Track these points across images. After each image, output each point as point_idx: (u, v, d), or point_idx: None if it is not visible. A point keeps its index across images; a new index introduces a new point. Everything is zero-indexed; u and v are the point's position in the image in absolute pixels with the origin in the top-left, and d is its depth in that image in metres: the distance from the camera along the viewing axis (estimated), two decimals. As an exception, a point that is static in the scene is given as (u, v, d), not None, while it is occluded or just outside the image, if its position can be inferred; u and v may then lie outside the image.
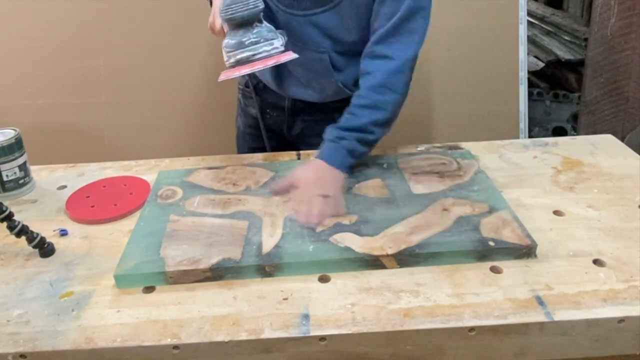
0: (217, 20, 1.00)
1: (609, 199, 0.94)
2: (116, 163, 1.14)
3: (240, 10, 0.93)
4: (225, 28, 0.99)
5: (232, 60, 0.96)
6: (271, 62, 0.95)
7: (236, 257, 0.79)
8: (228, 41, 0.96)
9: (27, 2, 1.90)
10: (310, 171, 0.99)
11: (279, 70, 1.19)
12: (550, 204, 0.93)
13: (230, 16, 0.94)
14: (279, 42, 0.98)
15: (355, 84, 1.11)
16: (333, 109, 1.18)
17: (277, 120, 1.30)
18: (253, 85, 1.29)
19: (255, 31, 0.96)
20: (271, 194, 0.97)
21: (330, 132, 1.03)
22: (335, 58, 1.12)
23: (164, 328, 0.69)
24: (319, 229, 0.85)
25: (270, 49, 0.96)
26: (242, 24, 0.95)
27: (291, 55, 0.97)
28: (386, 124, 1.03)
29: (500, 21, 2.01)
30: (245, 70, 0.94)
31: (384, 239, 0.81)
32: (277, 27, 1.04)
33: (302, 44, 1.10)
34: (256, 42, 0.95)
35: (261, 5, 0.96)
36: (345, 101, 1.07)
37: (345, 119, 1.02)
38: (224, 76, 0.97)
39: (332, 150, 1.00)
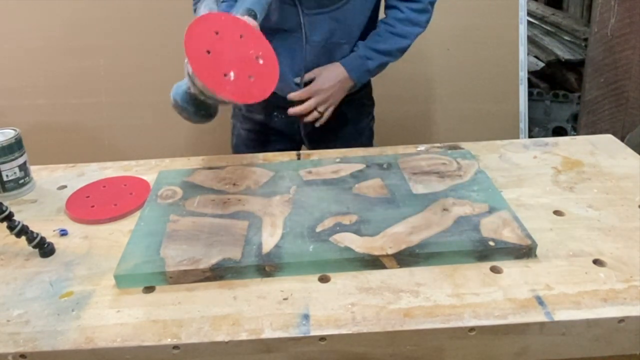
0: None
1: (609, 199, 0.94)
2: (116, 163, 1.14)
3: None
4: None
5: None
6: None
7: (236, 257, 0.79)
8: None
9: (27, 2, 1.90)
10: (334, 76, 1.18)
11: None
12: (550, 204, 0.93)
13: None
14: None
15: None
16: (345, 101, 1.25)
17: (287, 122, 1.30)
18: None
19: None
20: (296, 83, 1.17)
21: (361, 49, 1.19)
22: (352, 46, 1.22)
23: (164, 328, 0.69)
24: (319, 229, 0.85)
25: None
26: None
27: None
28: (405, 51, 1.22)
29: (500, 21, 2.01)
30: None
31: (384, 239, 0.81)
32: (294, 27, 1.14)
33: (324, 40, 1.17)
34: None
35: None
36: (350, 95, 1.24)
37: (375, 41, 1.19)
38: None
39: (357, 64, 1.19)
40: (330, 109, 1.20)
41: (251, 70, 0.85)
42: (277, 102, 1.27)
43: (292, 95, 1.18)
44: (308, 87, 1.18)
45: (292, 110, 1.18)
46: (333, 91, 1.18)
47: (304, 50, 1.18)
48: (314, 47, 1.18)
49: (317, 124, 1.22)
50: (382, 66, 1.22)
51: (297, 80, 1.20)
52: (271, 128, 1.32)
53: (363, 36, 1.22)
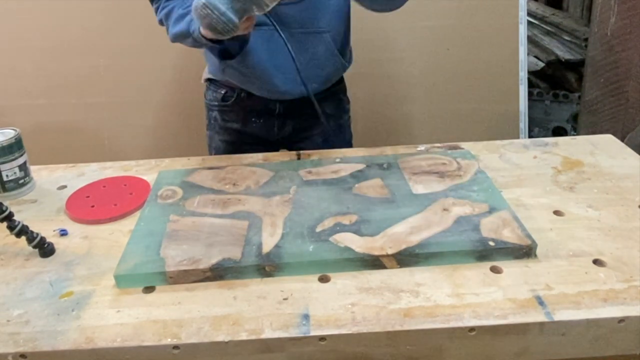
0: None
1: (609, 199, 0.94)
2: (116, 163, 1.14)
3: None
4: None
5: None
6: None
7: (236, 257, 0.79)
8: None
9: (27, 2, 1.90)
10: None
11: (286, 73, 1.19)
12: (550, 204, 0.93)
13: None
14: None
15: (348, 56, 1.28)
16: (322, 98, 1.24)
17: (264, 125, 1.28)
18: (235, 97, 1.26)
19: None
20: None
21: None
22: (334, 35, 1.19)
23: (164, 328, 0.69)
24: (319, 229, 0.85)
25: None
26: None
27: None
28: None
29: (500, 21, 2.01)
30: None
31: (384, 239, 0.81)
32: (280, 19, 1.08)
33: (302, 29, 1.13)
34: None
35: None
36: (328, 91, 1.26)
37: None
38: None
39: None
40: None
41: None
42: (254, 107, 1.26)
43: None
44: None
45: None
46: None
47: (283, 42, 1.12)
48: (292, 38, 1.12)
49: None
50: None
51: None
52: (248, 135, 1.29)
53: (347, 24, 1.21)
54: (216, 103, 1.30)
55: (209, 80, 1.32)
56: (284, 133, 1.30)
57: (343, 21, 1.21)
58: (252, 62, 1.15)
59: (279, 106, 1.25)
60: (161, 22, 1.12)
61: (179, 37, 1.06)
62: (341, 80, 1.34)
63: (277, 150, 1.27)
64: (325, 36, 1.17)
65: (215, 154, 1.35)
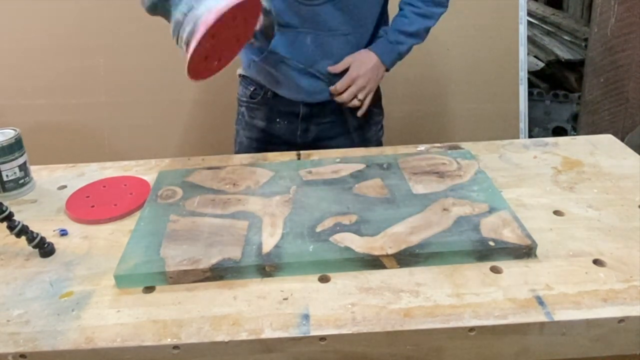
0: None
1: (609, 199, 0.94)
2: (116, 163, 1.14)
3: None
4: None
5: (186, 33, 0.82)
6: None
7: (236, 257, 0.79)
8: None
9: (27, 2, 1.90)
10: (368, 63, 1.19)
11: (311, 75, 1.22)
12: (550, 204, 0.93)
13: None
14: None
15: None
16: (345, 109, 1.25)
17: (288, 128, 1.29)
18: (262, 95, 1.27)
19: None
20: (330, 72, 1.18)
21: (391, 34, 1.21)
22: (357, 37, 1.21)
23: (164, 328, 0.69)
24: (319, 229, 0.85)
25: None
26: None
27: None
28: (428, 32, 1.24)
29: (500, 21, 2.02)
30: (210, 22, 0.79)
31: (384, 239, 0.81)
32: (305, 20, 1.13)
33: (326, 31, 1.16)
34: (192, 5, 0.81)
35: None
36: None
37: (403, 23, 1.21)
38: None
39: (388, 49, 1.21)
40: (369, 97, 1.21)
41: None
42: (279, 107, 1.27)
43: (334, 89, 1.19)
44: (347, 75, 1.18)
45: (337, 98, 1.20)
46: (370, 76, 1.19)
47: (308, 43, 1.17)
48: (317, 37, 1.17)
49: (359, 114, 1.24)
50: (409, 49, 1.23)
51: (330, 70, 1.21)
52: (272, 135, 1.31)
53: (377, 29, 1.22)
54: (245, 99, 1.32)
55: (241, 75, 1.34)
56: (306, 138, 1.30)
57: (371, 23, 1.22)
58: (276, 62, 1.18)
59: (304, 109, 1.25)
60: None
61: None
62: (375, 91, 1.29)
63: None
64: (349, 38, 1.19)
65: (239, 148, 1.38)
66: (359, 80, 1.18)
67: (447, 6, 1.24)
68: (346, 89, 1.18)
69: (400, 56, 1.23)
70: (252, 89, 1.29)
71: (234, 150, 1.41)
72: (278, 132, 1.30)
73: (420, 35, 1.22)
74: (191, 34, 0.81)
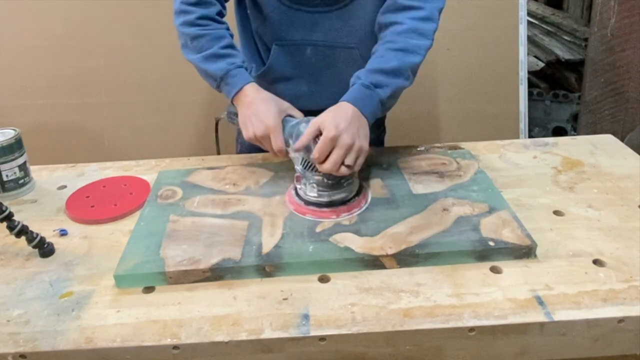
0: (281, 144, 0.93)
1: (609, 199, 0.94)
2: (116, 163, 1.14)
3: None
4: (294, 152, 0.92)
5: (326, 199, 0.90)
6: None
7: (236, 257, 0.79)
8: (323, 179, 0.90)
9: (27, 2, 1.90)
10: (343, 116, 0.89)
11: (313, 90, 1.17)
12: (550, 204, 0.93)
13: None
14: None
15: None
16: None
17: None
18: None
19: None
20: (295, 151, 0.92)
21: (365, 76, 0.94)
22: (362, 51, 1.12)
23: (164, 328, 0.69)
24: (318, 229, 0.85)
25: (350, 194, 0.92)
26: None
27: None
28: (416, 71, 0.99)
29: (500, 21, 2.01)
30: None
31: (384, 239, 0.81)
32: (306, 30, 1.08)
33: (330, 44, 1.11)
34: (351, 183, 0.92)
35: None
36: None
37: (377, 62, 0.96)
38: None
39: (364, 96, 0.93)
40: (361, 159, 0.90)
41: None
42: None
43: (316, 158, 0.88)
44: (322, 138, 0.87)
45: (320, 169, 0.89)
46: (352, 131, 0.88)
47: (307, 56, 1.12)
48: (317, 50, 1.12)
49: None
50: (395, 93, 0.98)
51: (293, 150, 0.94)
52: None
53: (375, 41, 1.12)
54: None
55: None
56: None
57: (374, 37, 1.09)
58: (274, 78, 1.16)
59: (305, 112, 1.23)
60: (183, 24, 1.02)
61: (200, 69, 1.01)
62: None
63: None
64: (354, 52, 1.12)
65: (240, 147, 1.36)
66: (340, 140, 0.86)
67: (431, 38, 0.99)
68: (327, 157, 0.87)
69: (383, 104, 0.95)
70: None
71: (234, 150, 1.41)
72: None
73: (403, 73, 0.96)
74: None
